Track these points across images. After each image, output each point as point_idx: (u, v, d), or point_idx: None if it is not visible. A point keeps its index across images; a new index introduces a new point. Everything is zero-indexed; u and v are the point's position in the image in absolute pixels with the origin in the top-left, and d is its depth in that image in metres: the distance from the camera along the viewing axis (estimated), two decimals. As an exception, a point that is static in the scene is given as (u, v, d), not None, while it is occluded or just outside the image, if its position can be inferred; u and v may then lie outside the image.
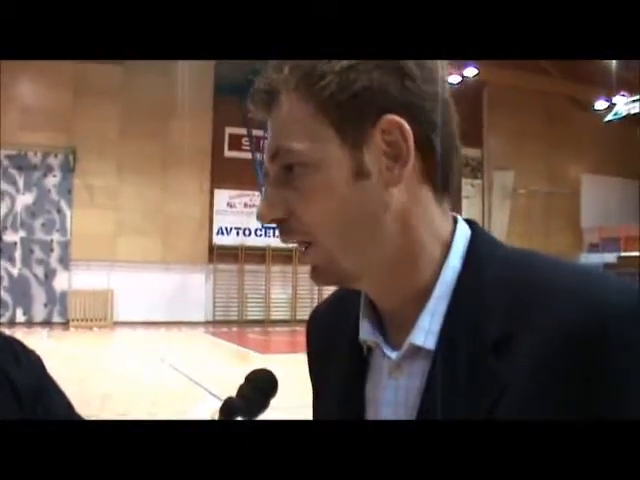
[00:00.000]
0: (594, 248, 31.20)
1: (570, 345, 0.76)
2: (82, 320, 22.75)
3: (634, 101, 23.60)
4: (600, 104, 26.35)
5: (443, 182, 0.90)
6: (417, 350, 0.89)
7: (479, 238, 0.93)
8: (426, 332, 0.88)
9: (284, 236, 0.92)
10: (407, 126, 0.84)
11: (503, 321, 0.82)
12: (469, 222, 0.95)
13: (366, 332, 0.95)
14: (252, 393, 0.99)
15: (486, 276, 0.87)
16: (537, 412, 0.77)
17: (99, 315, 23.19)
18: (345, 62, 0.84)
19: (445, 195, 0.91)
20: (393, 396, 0.92)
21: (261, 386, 1.02)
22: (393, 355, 0.92)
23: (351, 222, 0.87)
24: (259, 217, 0.92)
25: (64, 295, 22.93)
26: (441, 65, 0.90)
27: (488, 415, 0.80)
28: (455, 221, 0.94)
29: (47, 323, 22.28)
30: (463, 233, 0.93)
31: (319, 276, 0.93)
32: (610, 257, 29.90)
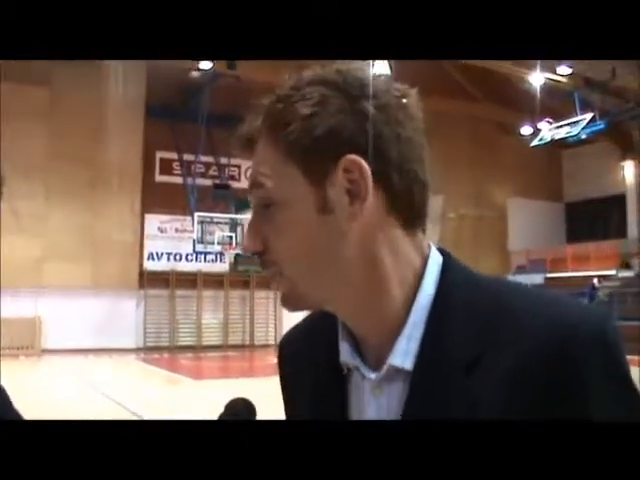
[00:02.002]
0: (521, 270, 31.84)
1: (536, 365, 0.84)
2: (8, 349, 22.14)
3: (558, 127, 24.24)
4: (525, 129, 26.99)
5: (410, 214, 0.95)
6: (396, 371, 0.94)
7: (451, 265, 0.98)
8: (404, 354, 0.93)
9: (263, 268, 0.98)
10: (366, 165, 0.90)
11: (475, 343, 0.89)
12: (440, 250, 1.01)
13: (346, 354, 1.00)
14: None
15: (459, 301, 0.93)
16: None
17: (26, 343, 22.66)
18: (307, 109, 0.90)
19: (415, 225, 0.97)
20: (376, 414, 0.97)
21: (240, 414, 1.05)
22: (373, 376, 0.96)
23: (316, 254, 0.93)
24: (243, 248, 1.01)
25: (-11, 323, 22.34)
26: (408, 106, 0.95)
27: None
28: (428, 248, 0.99)
29: (-29, 352, 21.66)
30: (435, 261, 0.98)
31: (287, 303, 0.98)
32: (537, 278, 30.53)
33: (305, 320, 1.17)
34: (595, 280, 26.91)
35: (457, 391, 0.88)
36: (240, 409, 1.07)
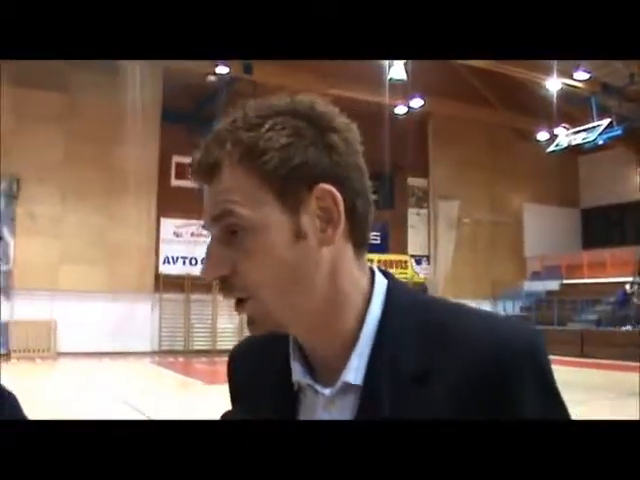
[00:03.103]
0: (537, 276, 31.71)
1: (476, 378, 0.93)
2: (24, 351, 22.26)
3: (575, 133, 24.13)
4: (542, 135, 26.90)
5: (362, 240, 1.03)
6: (348, 386, 1.01)
7: (396, 288, 1.06)
8: (356, 371, 1.00)
9: (225, 292, 1.00)
10: (338, 194, 0.97)
11: (421, 358, 0.97)
12: (384, 273, 1.08)
13: (298, 373, 1.06)
14: None
15: (404, 321, 1.01)
16: None
17: (42, 346, 22.74)
18: (284, 139, 0.95)
19: (362, 250, 1.04)
20: None
21: None
22: (326, 392, 1.02)
23: (288, 278, 0.97)
24: (203, 274, 1.00)
25: (5, 325, 22.42)
26: (358, 139, 1.02)
27: None
28: (372, 272, 1.07)
29: (-13, 354, 21.76)
30: (381, 283, 1.05)
31: (256, 326, 1.02)
32: (552, 284, 30.39)
33: (253, 337, 1.19)
34: (627, 286, 26.68)
35: (405, 403, 0.95)
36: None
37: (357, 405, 0.99)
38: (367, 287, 1.04)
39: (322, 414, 1.03)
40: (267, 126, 0.95)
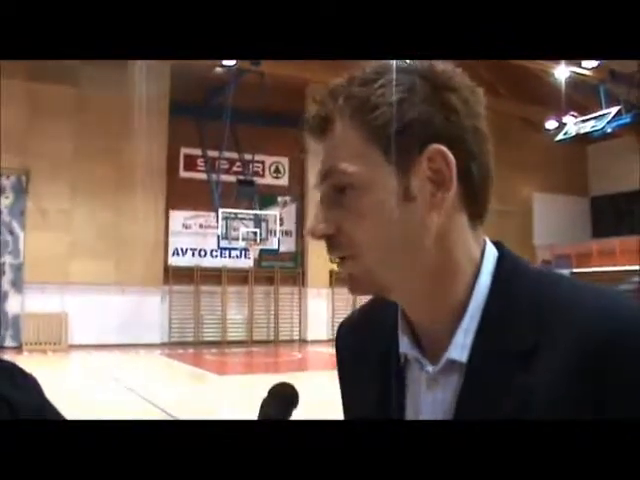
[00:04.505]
0: (547, 265, 31.59)
1: (588, 357, 0.85)
2: (36, 344, 22.34)
3: (584, 121, 23.99)
4: (550, 124, 26.77)
5: (478, 209, 0.99)
6: (452, 364, 0.97)
7: (506, 259, 1.00)
8: (461, 347, 0.96)
9: (332, 251, 0.98)
10: (451, 156, 0.93)
11: (530, 335, 0.91)
12: (496, 244, 1.03)
13: (405, 346, 1.03)
14: (274, 410, 1.06)
15: (513, 294, 0.96)
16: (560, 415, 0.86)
17: (53, 338, 22.80)
18: (397, 95, 0.92)
19: (478, 220, 1.00)
20: (431, 407, 0.99)
21: (282, 401, 1.08)
22: (431, 369, 0.99)
23: (394, 240, 0.94)
24: (310, 232, 0.99)
25: (17, 318, 22.52)
26: (481, 102, 0.99)
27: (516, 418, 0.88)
28: (484, 243, 1.02)
29: (-1, 347, 21.85)
30: (491, 254, 1.00)
31: (356, 286, 1.00)
32: (563, 273, 30.22)
33: (362, 309, 1.19)
34: None
35: (512, 383, 0.90)
36: (281, 395, 1.10)
37: (461, 384, 0.96)
38: (478, 258, 0.99)
39: (425, 391, 1.00)
40: (381, 82, 0.93)
